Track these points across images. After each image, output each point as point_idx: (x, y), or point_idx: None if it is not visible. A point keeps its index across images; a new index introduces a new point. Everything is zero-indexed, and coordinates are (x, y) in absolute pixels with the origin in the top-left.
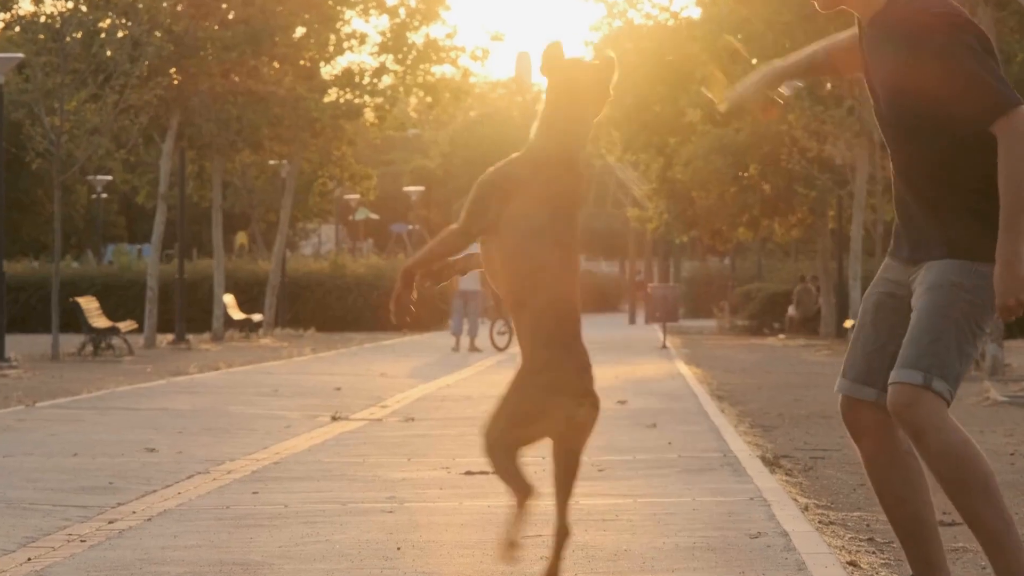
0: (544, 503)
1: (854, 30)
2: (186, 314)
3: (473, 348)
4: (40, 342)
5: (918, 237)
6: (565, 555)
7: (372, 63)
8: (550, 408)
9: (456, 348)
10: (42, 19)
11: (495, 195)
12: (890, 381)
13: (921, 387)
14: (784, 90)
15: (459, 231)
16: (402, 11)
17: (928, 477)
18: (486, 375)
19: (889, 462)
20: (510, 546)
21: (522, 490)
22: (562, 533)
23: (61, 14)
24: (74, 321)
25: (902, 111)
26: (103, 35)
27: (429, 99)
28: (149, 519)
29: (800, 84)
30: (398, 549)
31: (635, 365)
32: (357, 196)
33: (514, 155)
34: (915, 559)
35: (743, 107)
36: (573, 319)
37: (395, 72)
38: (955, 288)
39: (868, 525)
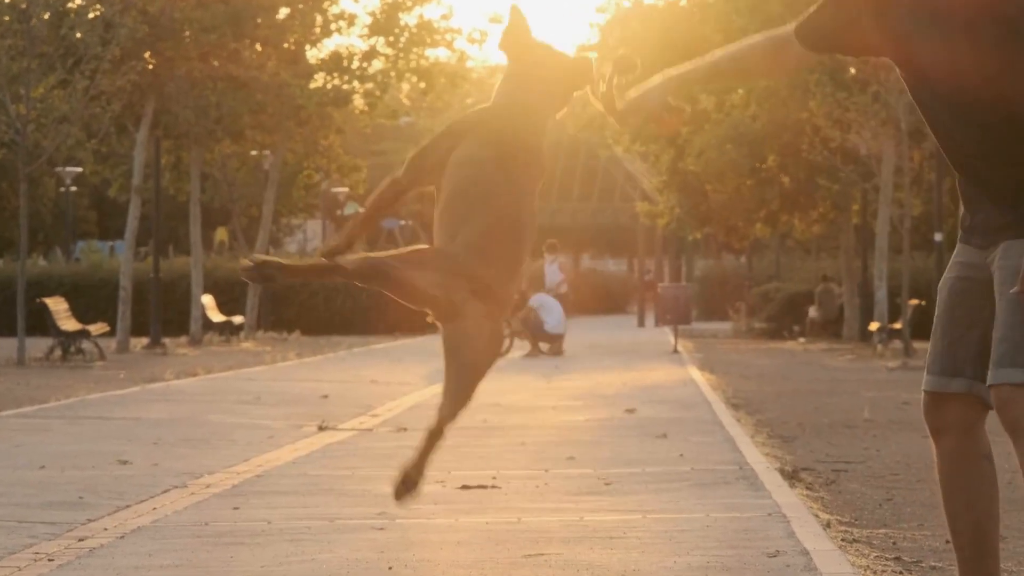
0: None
1: (762, 40)
2: (162, 316)
3: None
4: (4, 346)
5: (994, 224)
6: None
7: (362, 46)
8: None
9: None
10: None
11: (444, 139)
12: (989, 382)
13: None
14: None
15: (398, 175)
16: None
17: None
18: (483, 381)
19: (965, 462)
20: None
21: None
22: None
23: None
24: (41, 323)
25: (993, 99)
26: (72, 16)
27: (423, 85)
28: (122, 536)
29: None
30: (389, 569)
31: (644, 371)
32: (345, 189)
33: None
34: (968, 571)
35: (641, 114)
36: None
37: (386, 56)
38: None
39: (895, 543)
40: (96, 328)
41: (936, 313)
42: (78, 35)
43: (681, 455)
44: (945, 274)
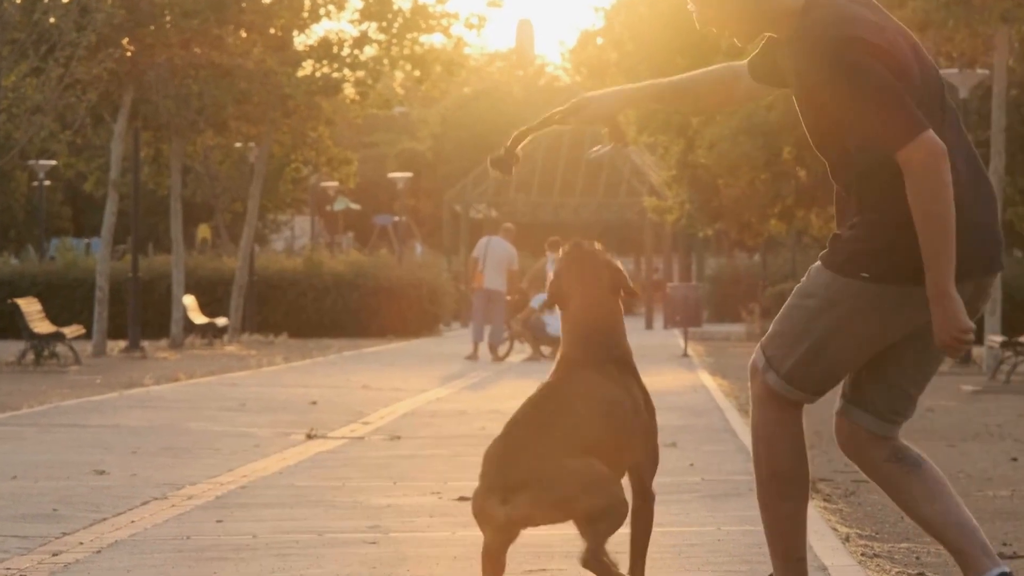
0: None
1: (722, 67)
2: (141, 318)
3: (497, 357)
4: None
5: None
6: None
7: (352, 32)
8: (477, 506)
9: (474, 356)
10: None
11: None
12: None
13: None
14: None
15: None
16: None
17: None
18: (482, 387)
19: (875, 476)
20: None
21: None
22: None
23: None
24: (13, 326)
25: (811, 130)
26: (46, 0)
27: (417, 73)
28: (98, 551)
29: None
30: None
31: (652, 375)
32: (335, 183)
33: None
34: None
35: (586, 116)
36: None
37: (379, 42)
38: None
39: (918, 558)
40: (71, 330)
41: None
42: (52, 20)
43: (691, 465)
44: None
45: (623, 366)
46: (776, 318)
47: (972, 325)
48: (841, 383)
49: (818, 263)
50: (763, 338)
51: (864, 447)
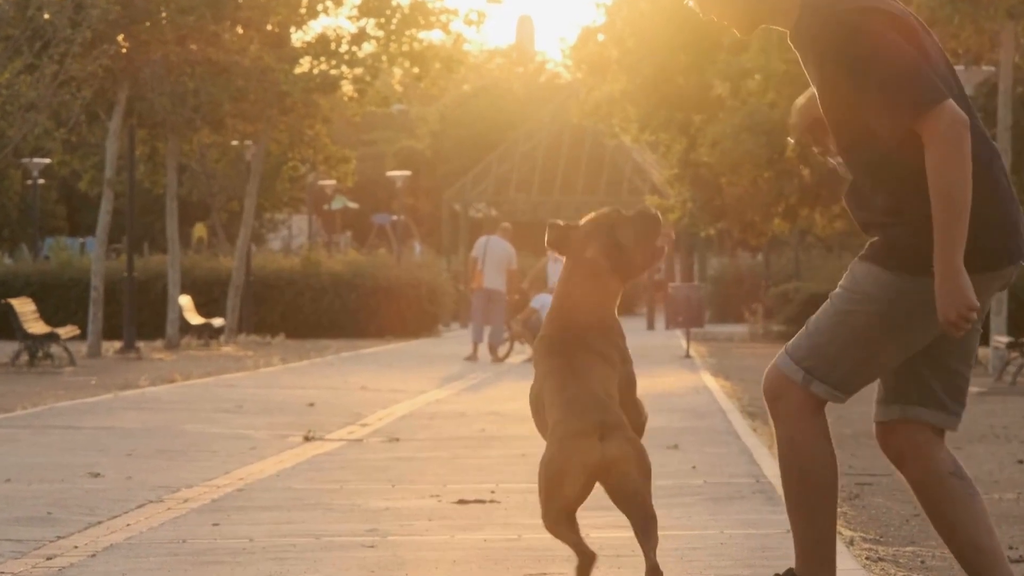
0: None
1: None
2: (136, 318)
3: (496, 358)
4: None
5: None
6: None
7: (350, 28)
8: (567, 457)
9: (474, 357)
10: None
11: None
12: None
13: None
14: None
15: None
16: None
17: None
18: (482, 388)
19: (934, 485)
20: None
21: (582, 556)
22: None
23: None
24: (7, 326)
25: (833, 129)
26: None
27: (416, 70)
28: (93, 555)
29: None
30: None
31: (654, 377)
32: (333, 182)
33: None
34: None
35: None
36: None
37: (377, 39)
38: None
39: (923, 562)
40: (66, 331)
41: None
42: (46, 16)
43: (694, 467)
44: None
45: (605, 332)
46: (816, 329)
47: (977, 303)
48: (882, 389)
49: (868, 267)
50: (791, 351)
51: (927, 453)
